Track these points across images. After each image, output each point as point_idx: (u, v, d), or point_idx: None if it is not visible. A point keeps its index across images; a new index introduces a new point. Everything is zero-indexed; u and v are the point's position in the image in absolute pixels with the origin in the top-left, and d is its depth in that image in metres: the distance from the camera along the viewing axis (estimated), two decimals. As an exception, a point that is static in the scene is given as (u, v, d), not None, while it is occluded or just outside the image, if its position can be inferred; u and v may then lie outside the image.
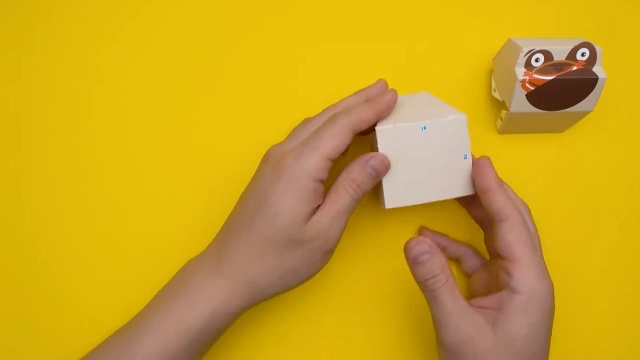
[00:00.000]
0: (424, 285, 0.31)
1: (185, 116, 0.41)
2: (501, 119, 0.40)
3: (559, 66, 0.36)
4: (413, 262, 0.31)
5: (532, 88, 0.36)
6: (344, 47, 0.41)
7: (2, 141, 0.40)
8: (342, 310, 0.40)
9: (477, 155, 0.41)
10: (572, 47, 0.36)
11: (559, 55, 0.36)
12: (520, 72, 0.36)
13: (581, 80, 0.36)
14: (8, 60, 0.41)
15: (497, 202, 0.31)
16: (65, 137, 0.41)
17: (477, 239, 0.41)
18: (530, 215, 0.34)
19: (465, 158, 0.34)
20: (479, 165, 0.33)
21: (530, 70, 0.36)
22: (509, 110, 0.38)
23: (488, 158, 0.33)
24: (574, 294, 0.41)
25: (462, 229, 0.41)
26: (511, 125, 0.40)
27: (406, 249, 0.32)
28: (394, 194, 0.33)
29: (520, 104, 0.37)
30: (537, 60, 0.36)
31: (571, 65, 0.36)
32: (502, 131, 0.41)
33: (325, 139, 0.31)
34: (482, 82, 0.42)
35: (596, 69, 0.36)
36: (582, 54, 0.36)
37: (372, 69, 0.41)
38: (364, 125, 0.32)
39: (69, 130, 0.41)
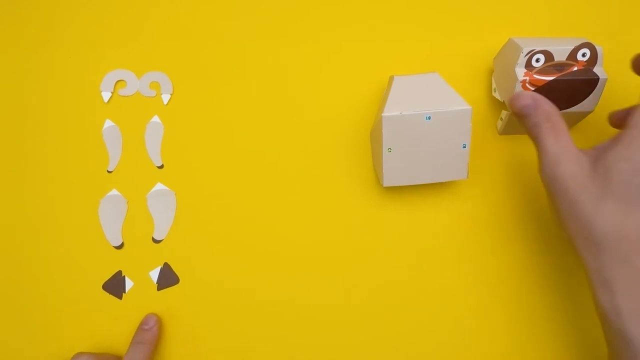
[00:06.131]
0: (530, 134, 0.32)
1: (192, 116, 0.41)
2: (501, 119, 0.40)
3: (559, 66, 0.36)
4: (517, 116, 0.33)
5: (533, 88, 0.36)
6: (343, 47, 0.41)
7: (2, 141, 0.40)
8: (342, 281, 0.40)
9: (475, 155, 0.41)
10: (572, 47, 0.35)
11: (560, 56, 0.36)
12: (521, 72, 0.36)
13: (582, 80, 0.36)
14: (9, 60, 0.41)
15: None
16: (74, 138, 0.41)
17: (475, 224, 0.41)
18: None
19: (464, 147, 0.35)
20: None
21: (531, 70, 0.36)
22: (509, 111, 0.37)
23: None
24: (575, 292, 0.40)
25: (458, 211, 0.41)
26: (511, 126, 0.40)
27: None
28: (393, 174, 0.36)
29: (520, 104, 0.37)
30: (537, 60, 0.36)
31: (572, 65, 0.36)
32: (503, 132, 0.41)
33: None
34: (482, 82, 0.41)
35: (597, 70, 0.36)
36: (583, 54, 0.36)
37: (371, 69, 0.41)
38: None
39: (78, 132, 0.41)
